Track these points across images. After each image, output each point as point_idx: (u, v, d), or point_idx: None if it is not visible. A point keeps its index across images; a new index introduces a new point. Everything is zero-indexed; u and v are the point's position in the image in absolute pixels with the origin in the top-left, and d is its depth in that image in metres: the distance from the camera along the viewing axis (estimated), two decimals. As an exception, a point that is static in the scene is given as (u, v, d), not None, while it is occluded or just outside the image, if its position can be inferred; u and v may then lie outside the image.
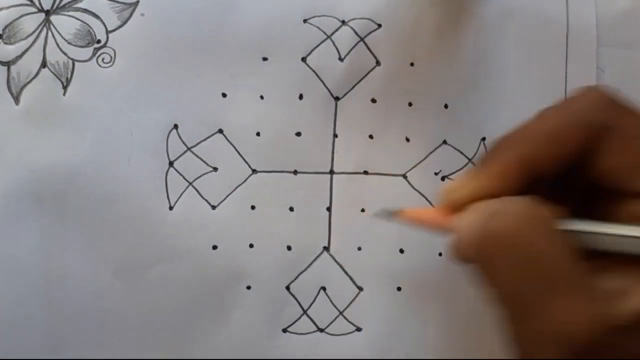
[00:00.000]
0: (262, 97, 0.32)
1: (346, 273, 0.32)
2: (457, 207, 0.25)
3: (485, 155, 0.25)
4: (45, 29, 0.31)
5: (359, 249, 0.32)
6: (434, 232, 0.26)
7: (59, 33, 0.31)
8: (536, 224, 0.22)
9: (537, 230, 0.22)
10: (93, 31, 0.32)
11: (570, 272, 0.22)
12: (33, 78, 0.31)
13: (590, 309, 0.21)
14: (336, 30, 0.32)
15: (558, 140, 0.23)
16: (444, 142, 0.33)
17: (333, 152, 0.33)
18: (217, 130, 0.32)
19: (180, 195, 0.32)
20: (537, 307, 0.22)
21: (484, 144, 0.33)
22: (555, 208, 0.23)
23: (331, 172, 0.33)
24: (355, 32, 0.32)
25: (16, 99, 0.31)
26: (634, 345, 0.22)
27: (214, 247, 0.32)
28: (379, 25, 0.32)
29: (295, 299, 0.32)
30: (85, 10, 0.32)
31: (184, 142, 0.32)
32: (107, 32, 0.32)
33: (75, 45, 0.32)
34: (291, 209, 0.32)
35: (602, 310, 0.21)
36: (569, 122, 0.23)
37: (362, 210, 0.33)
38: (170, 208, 0.32)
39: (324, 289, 0.32)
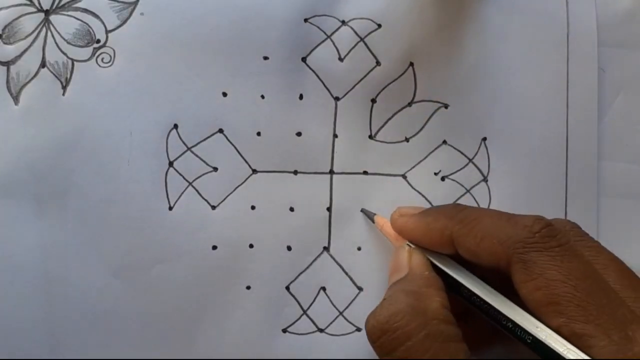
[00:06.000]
0: (262, 97, 0.32)
1: (346, 273, 0.32)
2: (398, 229, 0.29)
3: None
4: (44, 29, 0.31)
5: (359, 249, 0.32)
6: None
7: (59, 33, 0.31)
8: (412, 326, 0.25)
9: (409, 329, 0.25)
10: (92, 31, 0.32)
11: None
12: (32, 78, 0.31)
13: None
14: (336, 30, 0.32)
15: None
16: (444, 142, 0.33)
17: (333, 152, 0.33)
18: (217, 130, 0.32)
19: (180, 196, 0.32)
20: None
21: (485, 143, 0.33)
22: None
23: (331, 172, 0.33)
24: (355, 32, 0.32)
25: (15, 99, 0.31)
26: None
27: (214, 247, 0.32)
28: (379, 25, 0.32)
29: (295, 299, 0.32)
30: (85, 10, 0.32)
31: (183, 142, 0.32)
32: (107, 31, 0.32)
33: (74, 45, 0.31)
34: (291, 209, 0.32)
35: None
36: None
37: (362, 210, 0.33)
38: (170, 208, 0.32)
39: (323, 289, 0.32)
